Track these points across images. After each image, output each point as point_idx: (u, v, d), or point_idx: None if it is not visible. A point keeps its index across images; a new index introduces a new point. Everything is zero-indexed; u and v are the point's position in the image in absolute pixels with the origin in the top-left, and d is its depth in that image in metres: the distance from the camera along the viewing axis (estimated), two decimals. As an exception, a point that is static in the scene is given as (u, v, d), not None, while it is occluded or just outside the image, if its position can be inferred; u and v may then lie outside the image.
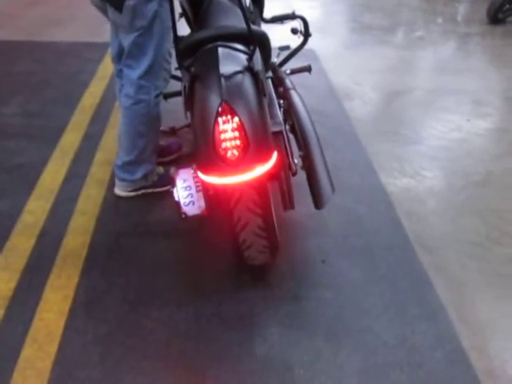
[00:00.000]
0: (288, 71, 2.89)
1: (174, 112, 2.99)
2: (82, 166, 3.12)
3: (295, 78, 2.83)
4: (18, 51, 4.71)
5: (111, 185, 2.91)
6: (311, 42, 2.97)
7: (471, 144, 3.59)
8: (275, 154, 2.00)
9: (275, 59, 2.87)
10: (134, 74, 2.53)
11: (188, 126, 2.83)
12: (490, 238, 2.70)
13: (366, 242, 2.61)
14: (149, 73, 2.52)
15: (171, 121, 3.25)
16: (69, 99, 3.87)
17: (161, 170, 2.91)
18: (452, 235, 2.72)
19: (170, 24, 2.35)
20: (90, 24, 5.17)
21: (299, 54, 2.98)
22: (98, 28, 4.80)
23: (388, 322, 2.18)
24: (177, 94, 2.94)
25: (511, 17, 6.01)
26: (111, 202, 2.83)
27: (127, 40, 2.47)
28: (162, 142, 3.07)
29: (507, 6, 5.88)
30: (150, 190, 2.85)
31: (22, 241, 2.55)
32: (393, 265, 2.48)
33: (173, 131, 3.32)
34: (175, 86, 2.85)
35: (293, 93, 2.53)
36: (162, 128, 2.97)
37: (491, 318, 2.24)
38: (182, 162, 3.07)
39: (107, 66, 4.19)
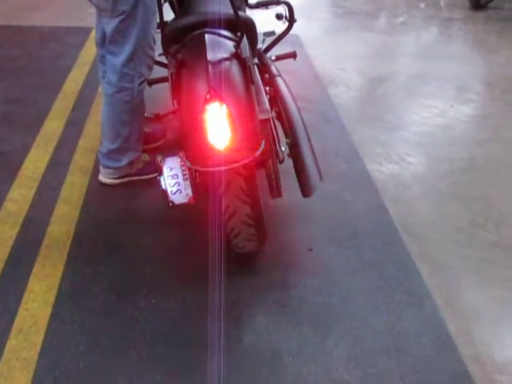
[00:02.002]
0: (273, 57, 2.87)
1: (158, 98, 2.97)
2: (66, 153, 3.07)
3: (280, 63, 2.81)
4: (-2, 36, 4.63)
5: (95, 172, 2.88)
6: (295, 27, 2.94)
7: (455, 130, 3.61)
8: (263, 142, 1.98)
9: (260, 45, 2.85)
10: (117, 60, 2.48)
11: (173, 112, 2.80)
12: (475, 224, 2.72)
13: (353, 229, 2.62)
14: (132, 60, 2.47)
15: (156, 107, 3.21)
16: (51, 85, 3.80)
17: (146, 157, 2.88)
18: (437, 221, 2.74)
19: (154, 9, 2.32)
20: (70, 8, 5.09)
21: (283, 39, 2.96)
22: (79, 12, 4.75)
23: (375, 308, 2.19)
24: (161, 80, 2.91)
25: (493, 2, 6.03)
26: (96, 190, 2.80)
27: (110, 25, 2.42)
28: (147, 128, 3.04)
29: (489, -9, 5.92)
30: (135, 178, 2.82)
31: (5, 230, 2.52)
32: (379, 251, 2.49)
33: (157, 118, 3.29)
34: (160, 71, 2.83)
35: (279, 80, 2.52)
36: (146, 115, 2.94)
37: (476, 303, 2.27)
38: (167, 148, 3.05)
39: (89, 51, 4.14)
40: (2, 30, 4.73)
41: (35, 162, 2.99)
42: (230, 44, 2.00)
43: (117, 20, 2.38)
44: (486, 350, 2.06)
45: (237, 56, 1.97)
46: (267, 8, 2.90)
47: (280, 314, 2.15)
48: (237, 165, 1.89)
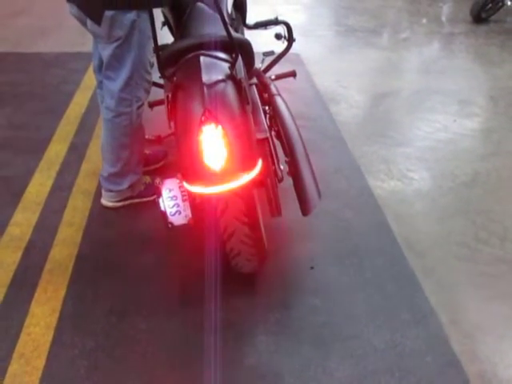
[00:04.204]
0: (273, 77, 2.89)
1: (159, 120, 2.97)
2: (68, 177, 3.09)
3: (280, 82, 2.82)
4: (3, 62, 4.66)
5: (97, 195, 2.89)
6: (296, 45, 2.97)
7: (458, 144, 3.60)
8: (260, 162, 1.99)
9: (260, 65, 2.87)
10: (114, 85, 2.50)
11: (174, 134, 2.82)
12: (478, 239, 2.70)
13: (355, 247, 2.60)
14: (129, 85, 2.49)
15: (157, 129, 3.22)
16: (54, 110, 3.83)
17: (147, 179, 2.89)
18: (440, 237, 2.72)
19: (149, 34, 2.35)
20: (74, 34, 5.12)
21: (284, 58, 2.98)
22: (83, 38, 4.76)
23: (377, 327, 2.17)
24: (162, 102, 2.93)
25: (494, 16, 6.04)
26: (98, 213, 2.81)
27: (106, 51, 2.44)
28: (148, 150, 3.06)
29: (490, 5, 5.92)
30: (136, 200, 2.83)
31: (8, 254, 2.53)
32: (381, 269, 2.48)
33: (159, 139, 3.30)
34: (162, 94, 2.85)
35: (278, 99, 2.53)
36: (147, 136, 2.96)
37: (481, 320, 2.24)
38: (167, 170, 3.06)
39: (92, 76, 4.12)
40: (6, 56, 4.78)
41: (38, 186, 3.01)
42: (225, 65, 2.01)
43: (113, 46, 2.40)
44: (491, 368, 2.03)
45: (231, 77, 1.98)
46: (266, 28, 2.92)
47: (281, 334, 2.14)
48: (234, 186, 1.89)
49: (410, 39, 5.66)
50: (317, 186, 2.20)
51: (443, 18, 6.46)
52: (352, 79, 4.57)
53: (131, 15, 2.33)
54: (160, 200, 2.04)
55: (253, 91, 2.53)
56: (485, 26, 5.94)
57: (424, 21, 6.29)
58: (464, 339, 2.15)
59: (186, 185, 1.96)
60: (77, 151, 3.34)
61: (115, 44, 2.39)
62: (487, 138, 3.73)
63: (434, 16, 6.46)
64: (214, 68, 2.00)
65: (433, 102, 4.19)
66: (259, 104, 2.47)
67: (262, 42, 3.01)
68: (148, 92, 2.62)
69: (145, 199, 2.83)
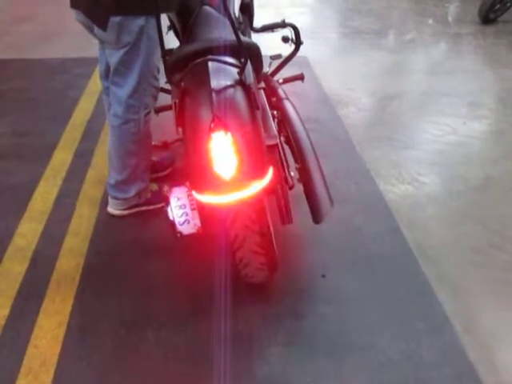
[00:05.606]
0: (281, 80, 2.85)
1: (165, 126, 2.95)
2: (74, 184, 3.05)
3: (287, 85, 2.78)
4: (7, 69, 4.64)
5: (104, 203, 2.85)
6: (302, 48, 2.92)
7: (468, 147, 3.55)
8: (271, 169, 1.94)
9: (267, 68, 2.83)
10: (122, 92, 2.46)
11: (181, 139, 2.78)
12: (492, 245, 2.65)
13: (366, 253, 2.56)
14: (137, 91, 2.45)
15: (163, 135, 3.18)
16: (59, 116, 3.80)
17: (154, 186, 2.85)
18: (453, 242, 2.67)
19: (157, 39, 2.32)
20: (78, 39, 5.08)
21: (291, 61, 2.94)
22: (87, 43, 4.72)
23: (392, 336, 2.12)
24: (168, 107, 2.89)
25: (502, 16, 5.98)
26: (104, 221, 2.77)
27: (114, 57, 2.40)
28: (155, 157, 3.01)
29: (498, 5, 5.86)
30: (143, 208, 2.79)
31: (14, 265, 2.49)
32: (394, 276, 2.43)
33: (165, 145, 3.26)
34: (168, 99, 2.82)
35: (286, 103, 2.49)
36: (154, 142, 2.92)
37: (497, 328, 2.19)
38: (175, 177, 3.02)
39: (97, 81, 4.10)
40: (10, 63, 4.76)
41: (44, 195, 2.97)
42: (234, 70, 1.97)
43: (121, 52, 2.36)
44: (508, 378, 1.98)
45: (241, 82, 1.94)
46: (273, 31, 2.88)
47: (293, 344, 2.09)
48: (244, 194, 1.85)
49: (417, 40, 5.62)
50: (328, 192, 2.15)
51: (450, 19, 6.41)
52: (359, 81, 4.53)
53: (140, 21, 2.29)
54: (168, 209, 2.00)
55: (261, 96, 2.49)
56: (493, 27, 5.89)
57: (430, 21, 6.24)
58: (480, 348, 2.10)
59: (195, 194, 1.92)
60: (82, 158, 3.30)
61: (123, 50, 2.36)
62: (497, 141, 3.68)
63: (440, 17, 6.41)
64: (223, 73, 1.96)
65: (441, 105, 4.14)
66: (268, 109, 2.43)
67: (268, 45, 2.96)
68: (156, 98, 2.59)
69: (152, 207, 2.79)
